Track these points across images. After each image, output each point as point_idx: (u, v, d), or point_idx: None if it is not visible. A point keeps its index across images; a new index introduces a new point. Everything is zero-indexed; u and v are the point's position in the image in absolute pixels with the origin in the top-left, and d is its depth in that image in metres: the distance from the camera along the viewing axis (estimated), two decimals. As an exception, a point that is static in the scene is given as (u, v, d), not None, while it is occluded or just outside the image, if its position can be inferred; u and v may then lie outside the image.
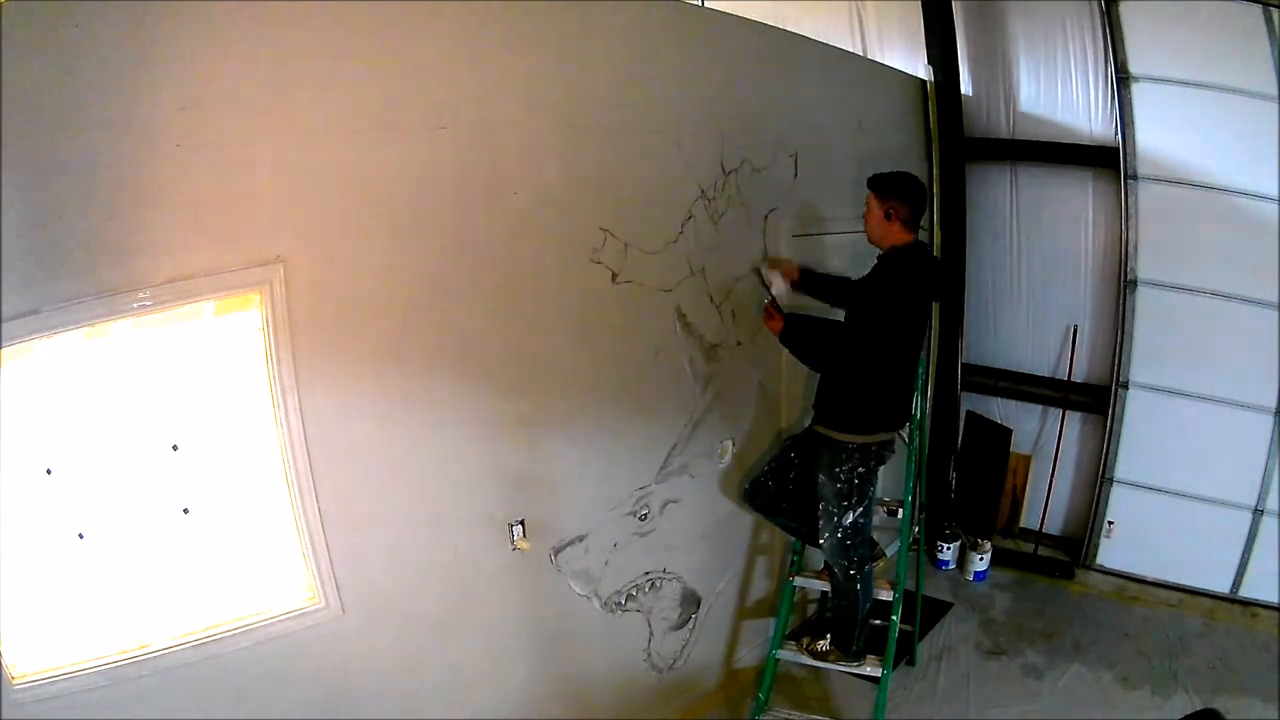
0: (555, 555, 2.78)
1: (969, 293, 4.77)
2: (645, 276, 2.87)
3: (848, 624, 3.18)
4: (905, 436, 3.45)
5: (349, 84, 2.05)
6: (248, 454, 2.06)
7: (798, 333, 2.91)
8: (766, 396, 3.55)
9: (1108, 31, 3.98)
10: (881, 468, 3.00)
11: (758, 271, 3.13)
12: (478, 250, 2.40)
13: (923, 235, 3.05)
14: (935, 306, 4.71)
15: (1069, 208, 4.47)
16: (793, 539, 3.46)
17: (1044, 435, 4.78)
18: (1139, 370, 4.32)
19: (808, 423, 3.16)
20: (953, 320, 4.77)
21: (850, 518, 2.94)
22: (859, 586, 3.09)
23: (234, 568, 2.08)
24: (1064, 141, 4.35)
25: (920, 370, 3.40)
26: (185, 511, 1.99)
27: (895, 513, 3.42)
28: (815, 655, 3.27)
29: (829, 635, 3.27)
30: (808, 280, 3.23)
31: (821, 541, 3.08)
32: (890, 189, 2.79)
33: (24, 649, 1.82)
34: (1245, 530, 4.15)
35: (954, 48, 4.38)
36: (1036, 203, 4.57)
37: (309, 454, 2.10)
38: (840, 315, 3.04)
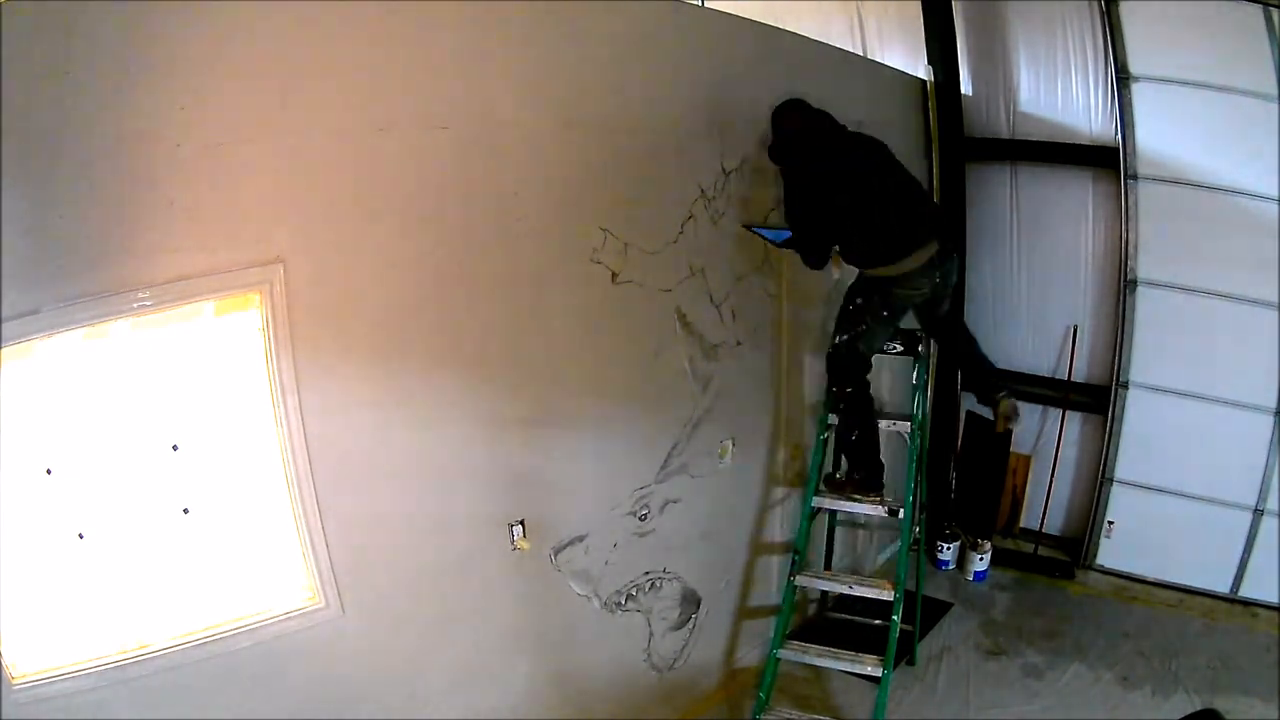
0: (555, 555, 2.78)
1: (969, 293, 4.76)
2: (645, 276, 2.87)
3: (842, 445, 3.43)
4: (907, 435, 3.45)
5: (349, 84, 2.06)
6: (248, 454, 2.06)
7: (789, 243, 3.22)
8: (766, 396, 3.55)
9: (1108, 31, 3.97)
10: (885, 314, 3.15)
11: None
12: (478, 250, 2.40)
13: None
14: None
15: (1069, 208, 4.46)
16: (794, 539, 3.47)
17: (1044, 435, 4.77)
18: (1139, 370, 4.31)
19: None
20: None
21: (838, 339, 3.22)
22: (840, 406, 3.34)
23: (234, 568, 2.09)
24: (1064, 141, 4.33)
25: (920, 368, 3.41)
26: (185, 511, 1.99)
27: (895, 513, 3.41)
28: (840, 489, 3.43)
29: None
30: None
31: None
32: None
33: (24, 649, 1.82)
34: (1245, 530, 4.14)
35: (954, 48, 4.37)
36: (1036, 203, 4.56)
37: (309, 454, 2.10)
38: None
